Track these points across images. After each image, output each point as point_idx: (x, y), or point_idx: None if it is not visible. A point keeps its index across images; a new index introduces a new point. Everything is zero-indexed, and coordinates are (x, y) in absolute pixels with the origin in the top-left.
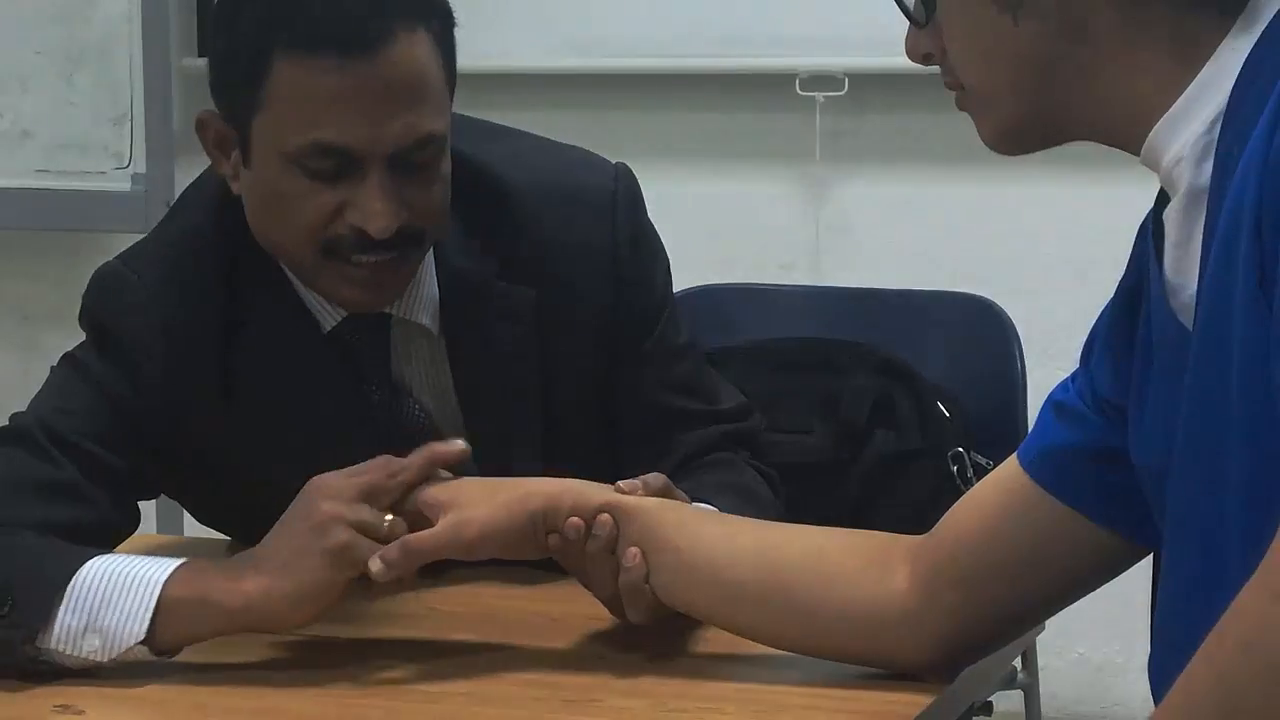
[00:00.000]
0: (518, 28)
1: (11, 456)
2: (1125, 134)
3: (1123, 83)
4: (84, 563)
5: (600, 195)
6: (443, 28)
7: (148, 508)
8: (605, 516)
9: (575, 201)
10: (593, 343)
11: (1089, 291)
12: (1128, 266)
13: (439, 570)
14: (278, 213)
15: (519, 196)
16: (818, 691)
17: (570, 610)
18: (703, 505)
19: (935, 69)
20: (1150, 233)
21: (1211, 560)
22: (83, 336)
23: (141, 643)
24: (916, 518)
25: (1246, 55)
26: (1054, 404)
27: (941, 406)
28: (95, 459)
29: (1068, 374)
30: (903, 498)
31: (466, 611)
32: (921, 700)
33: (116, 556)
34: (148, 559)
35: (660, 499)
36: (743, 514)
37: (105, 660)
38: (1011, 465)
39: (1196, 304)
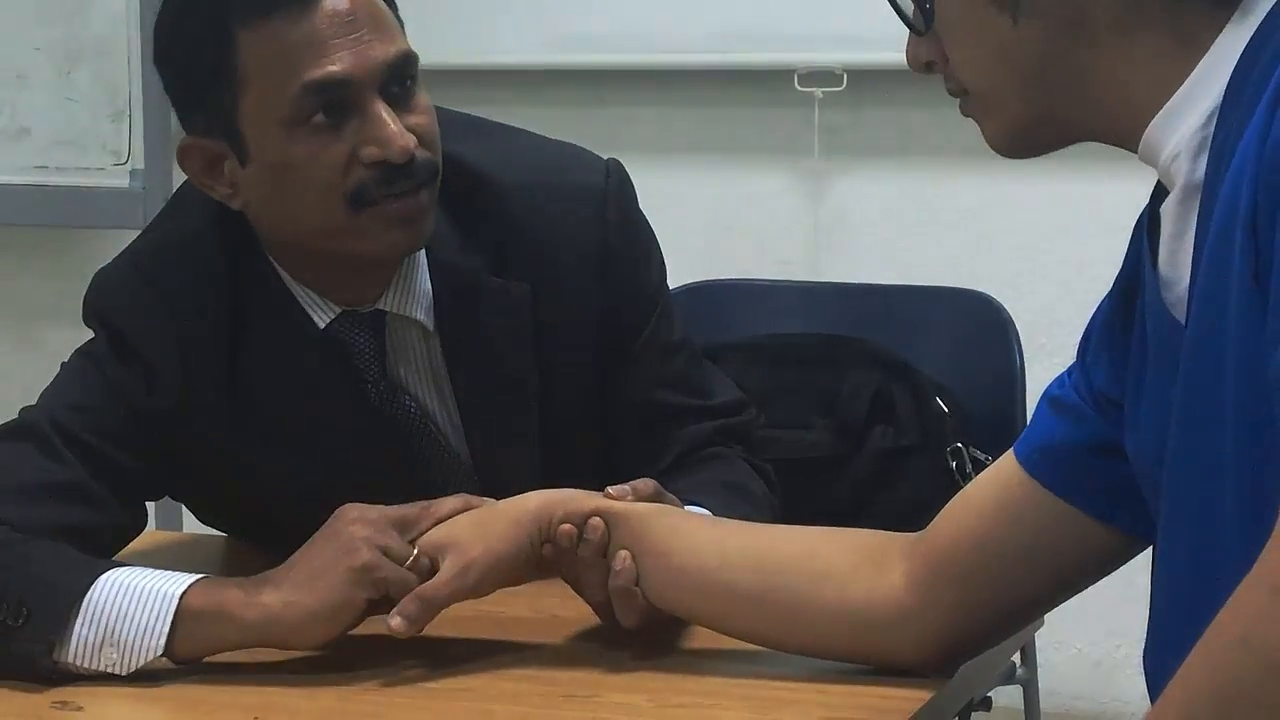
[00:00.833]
0: (512, 23)
1: (23, 454)
2: (1124, 130)
3: (1121, 78)
4: (99, 575)
5: (591, 192)
6: None
7: (147, 505)
8: (596, 521)
9: (566, 198)
10: (586, 339)
11: (1087, 287)
12: (1124, 261)
13: None
14: (294, 188)
15: (510, 194)
16: (816, 687)
17: (570, 607)
18: (695, 508)
19: None
20: (1146, 228)
21: (1206, 553)
22: (82, 333)
23: (160, 655)
24: (915, 514)
25: (1243, 48)
26: (1050, 399)
27: (940, 402)
28: (105, 458)
29: (1064, 369)
30: (901, 494)
31: (466, 608)
32: (921, 695)
33: (132, 569)
34: (164, 573)
35: (650, 504)
36: (736, 511)
37: (123, 672)
38: (1008, 461)
39: (1190, 299)
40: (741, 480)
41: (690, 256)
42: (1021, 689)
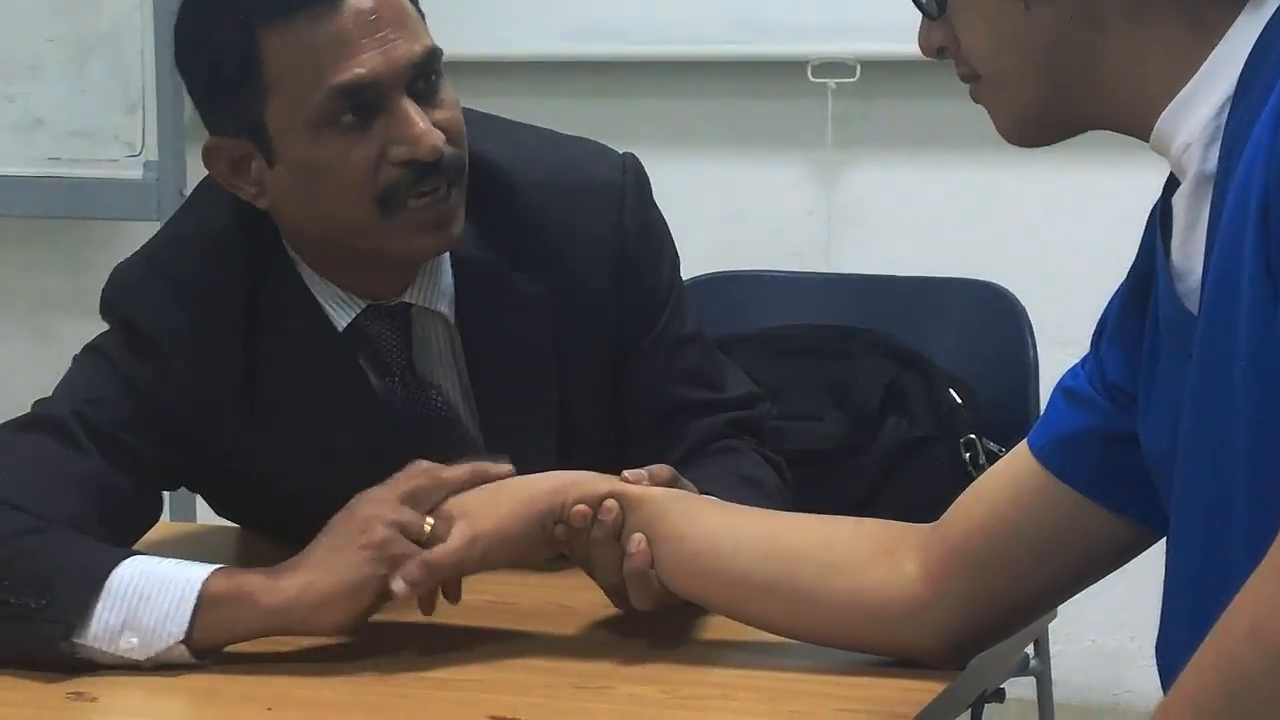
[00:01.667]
0: (523, 15)
1: (43, 445)
2: (1137, 120)
3: (1134, 67)
4: (122, 560)
5: (608, 188)
6: None
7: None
8: (611, 503)
9: (583, 194)
10: (602, 336)
11: (1101, 277)
12: (1138, 252)
13: None
14: (323, 188)
15: (527, 191)
16: (829, 679)
17: (581, 597)
18: (709, 497)
19: None
20: (1159, 219)
21: (1217, 544)
22: (95, 325)
23: (181, 642)
24: (929, 505)
25: (1256, 38)
26: (1064, 389)
27: (954, 393)
28: (124, 449)
29: (1078, 360)
30: (915, 485)
31: (476, 598)
32: (934, 687)
33: (154, 557)
34: (185, 561)
35: (666, 488)
36: (748, 503)
37: (143, 659)
38: (1021, 451)
39: (1202, 290)
40: (754, 472)
41: (703, 248)
42: (1035, 680)
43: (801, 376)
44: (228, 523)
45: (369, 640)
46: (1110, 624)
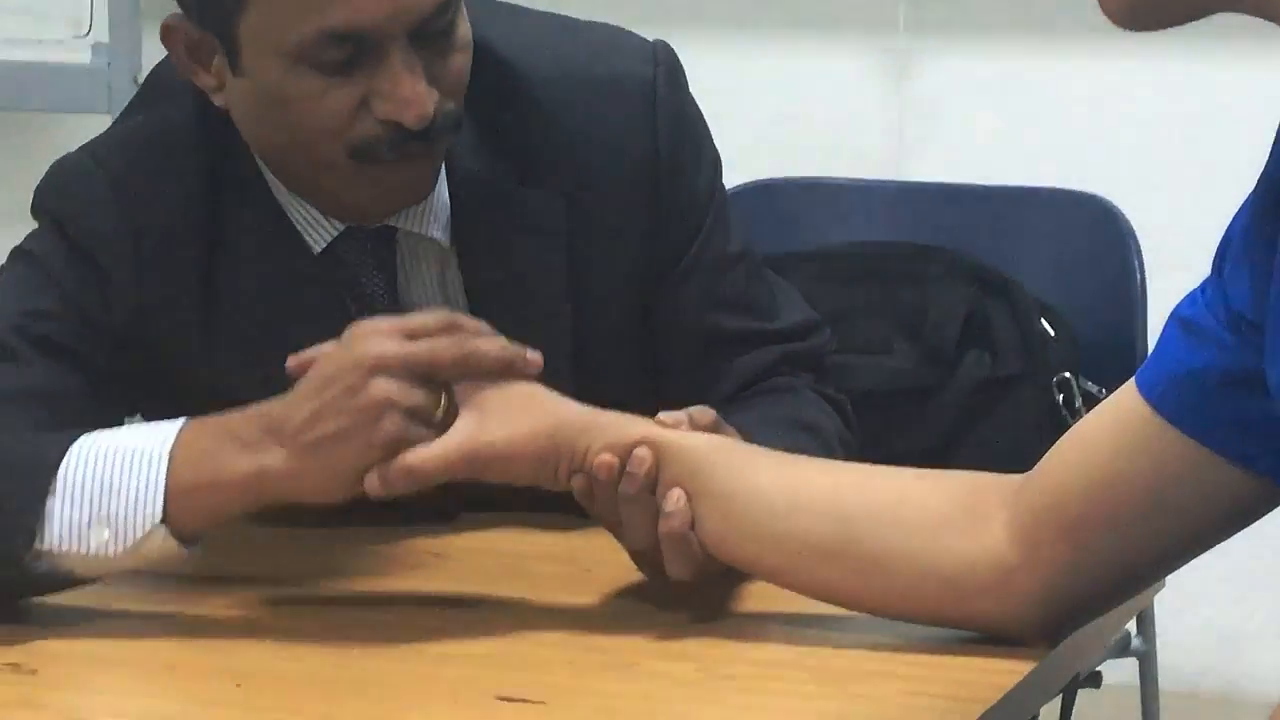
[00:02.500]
0: None
1: None
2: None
3: None
4: (71, 444)
5: (637, 84)
6: None
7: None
8: (643, 452)
9: (608, 93)
10: (629, 258)
11: (1224, 190)
12: (1269, 158)
13: (450, 513)
14: (287, 121)
15: (542, 88)
16: (894, 656)
17: (605, 560)
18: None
19: None
20: None
21: None
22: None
23: (161, 523)
24: (1015, 455)
25: None
26: (1179, 320)
27: (1045, 324)
28: (72, 358)
29: (1196, 285)
30: (999, 431)
31: (483, 560)
32: (1017, 669)
33: (104, 432)
34: (140, 429)
35: (709, 435)
36: (804, 452)
37: (121, 552)
38: (1128, 393)
39: None
40: (811, 415)
41: (751, 151)
42: (1137, 663)
43: (866, 303)
44: None
45: (354, 608)
46: (1227, 598)
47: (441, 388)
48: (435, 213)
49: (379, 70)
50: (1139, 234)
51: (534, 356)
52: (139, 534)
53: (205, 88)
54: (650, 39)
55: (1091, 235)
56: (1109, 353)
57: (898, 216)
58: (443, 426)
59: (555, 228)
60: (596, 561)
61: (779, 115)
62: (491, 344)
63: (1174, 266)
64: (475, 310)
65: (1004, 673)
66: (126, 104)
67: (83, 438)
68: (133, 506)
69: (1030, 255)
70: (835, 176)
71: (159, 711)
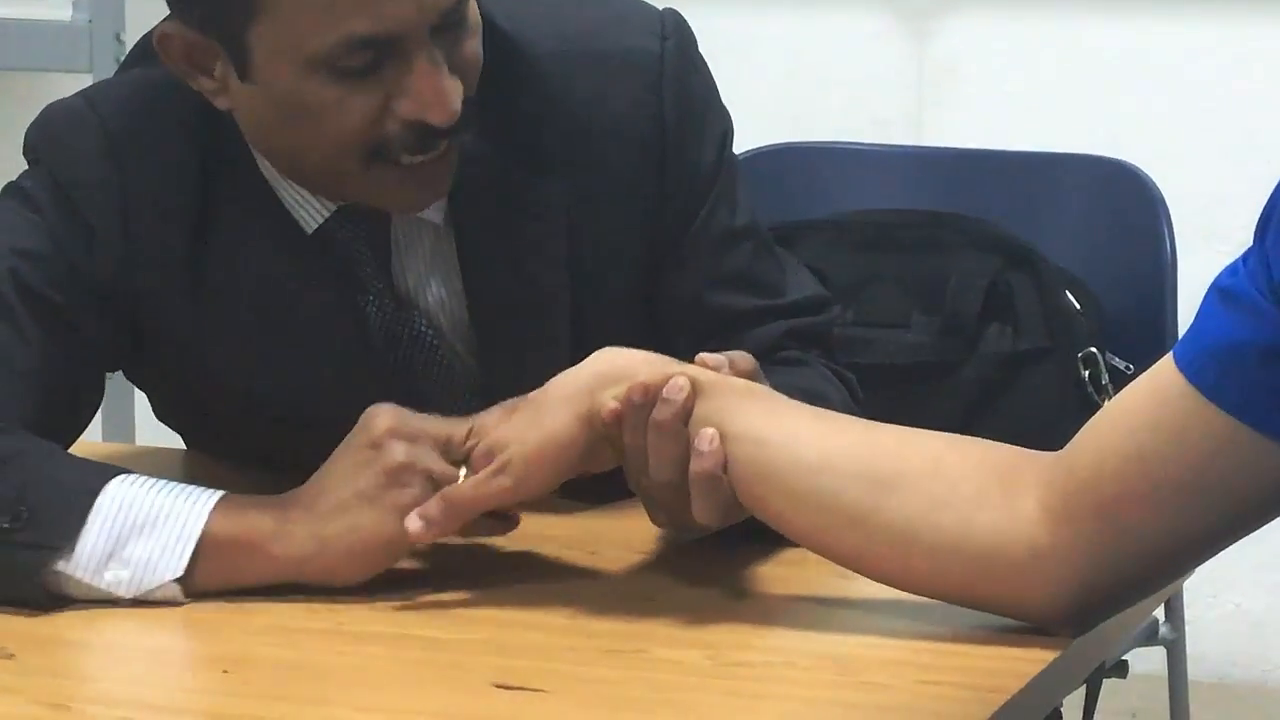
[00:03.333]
0: None
1: None
2: None
3: None
4: (113, 477)
5: (643, 59)
6: None
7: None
8: (682, 380)
9: (612, 69)
10: (631, 239)
11: (1262, 156)
12: None
13: None
14: (304, 129)
15: (543, 64)
16: (911, 644)
17: (611, 540)
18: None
19: None
20: None
21: None
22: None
23: (176, 580)
24: (1039, 433)
25: None
26: (1220, 291)
27: (1070, 296)
28: (63, 322)
29: (1229, 259)
30: (1021, 408)
31: (485, 542)
32: (1042, 657)
33: (145, 478)
34: (179, 487)
35: (746, 381)
36: None
37: (127, 595)
38: (1166, 367)
39: None
40: (818, 388)
41: (764, 114)
42: (1165, 651)
43: (884, 274)
44: (167, 444)
45: (350, 592)
46: (1259, 584)
47: (461, 462)
48: None
49: (402, 71)
50: (1169, 204)
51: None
52: (155, 585)
53: (204, 91)
54: (660, 6)
55: (1119, 204)
56: (1137, 327)
57: (917, 183)
58: None
59: (555, 209)
60: (602, 544)
61: (793, 77)
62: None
63: (1206, 237)
64: (471, 295)
65: (1026, 661)
66: (127, 55)
67: (121, 476)
68: (157, 556)
69: (1055, 224)
70: (851, 141)
71: (143, 698)
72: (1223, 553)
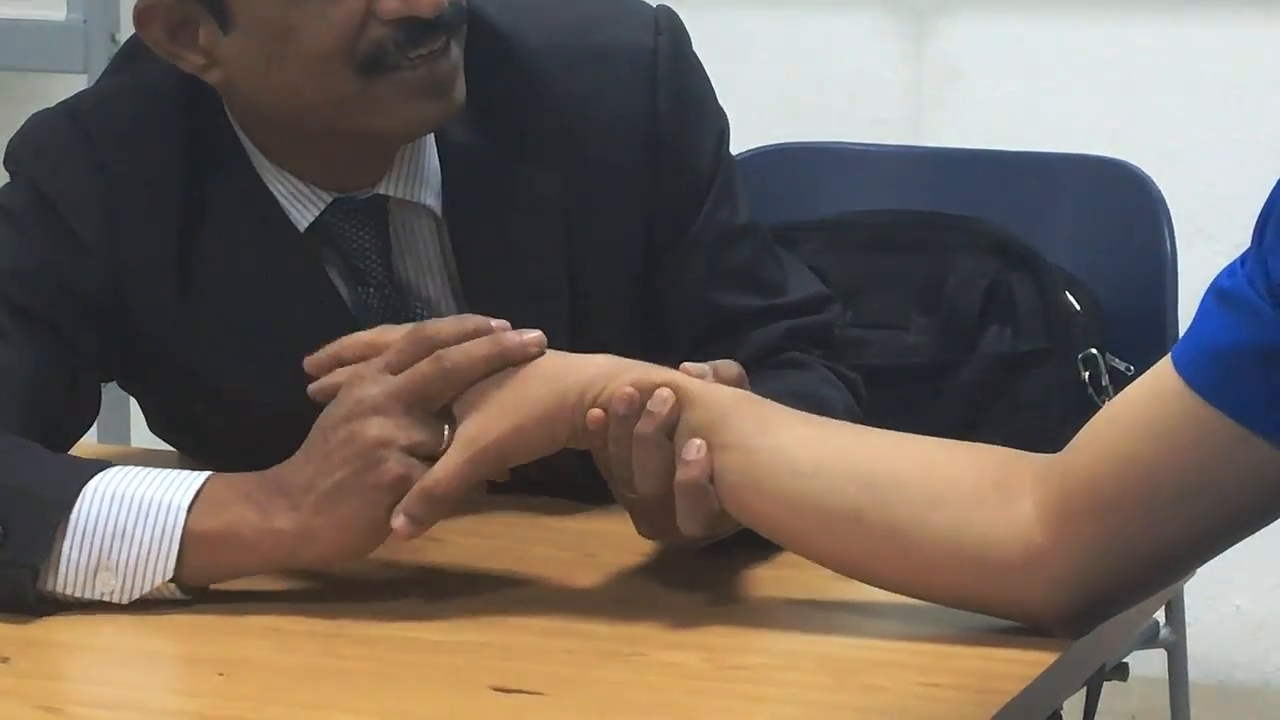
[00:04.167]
0: None
1: None
2: None
3: None
4: (87, 482)
5: (637, 54)
6: None
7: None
8: (666, 391)
9: (606, 64)
10: (629, 235)
11: (1260, 157)
12: None
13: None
14: (292, 56)
15: (537, 58)
16: (911, 646)
17: (609, 544)
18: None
19: None
20: None
21: None
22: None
23: (170, 580)
24: (1037, 434)
25: None
26: (1218, 293)
27: (1070, 297)
28: (51, 331)
29: (1229, 259)
30: (1021, 409)
31: (480, 542)
32: (1041, 659)
33: (124, 470)
34: (158, 475)
35: (733, 389)
36: None
37: (123, 601)
38: (1164, 369)
39: None
40: (819, 390)
41: (762, 115)
42: (1166, 654)
43: (881, 275)
44: (163, 445)
45: (345, 593)
46: (1260, 586)
47: (443, 418)
48: (426, 179)
49: None
50: (1170, 204)
51: (531, 337)
52: (147, 587)
53: (192, 69)
54: (654, 2)
55: (1119, 204)
56: (1137, 328)
57: (915, 183)
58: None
59: (550, 205)
60: (599, 545)
61: (791, 77)
62: (478, 346)
63: (1206, 239)
64: (467, 283)
65: (1025, 663)
66: (109, 62)
67: (97, 477)
68: (143, 559)
69: (1055, 225)
70: (850, 141)
71: (138, 701)
72: (1224, 554)
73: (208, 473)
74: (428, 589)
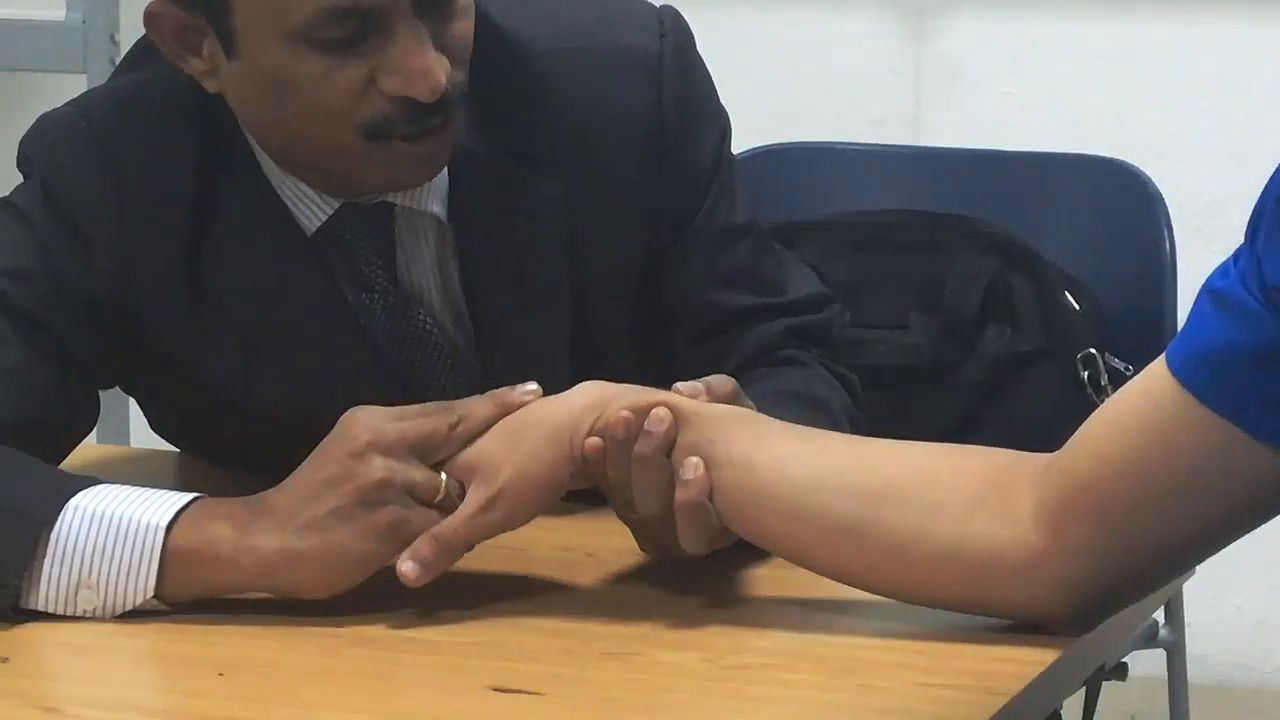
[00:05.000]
0: None
1: None
2: None
3: None
4: (68, 500)
5: (642, 57)
6: None
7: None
8: (662, 411)
9: (611, 67)
10: (632, 238)
11: (1257, 156)
12: None
13: None
14: (292, 105)
15: (540, 61)
16: (910, 645)
17: (607, 542)
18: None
19: None
20: None
21: None
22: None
23: (153, 597)
24: (1037, 435)
25: None
26: (1212, 293)
27: (1069, 297)
28: (52, 334)
29: (1228, 256)
30: (1020, 410)
31: (481, 545)
32: (1041, 658)
33: (106, 488)
34: (143, 493)
35: (728, 406)
36: (811, 426)
37: (106, 617)
38: (1158, 370)
39: None
40: (817, 390)
41: (762, 114)
42: (1165, 654)
43: (880, 275)
44: (164, 445)
45: (346, 593)
46: (1259, 586)
47: (441, 468)
48: (433, 187)
49: (385, 44)
50: (1168, 204)
51: (527, 391)
52: (128, 605)
53: (196, 74)
54: (658, 3)
55: (1119, 204)
56: (1137, 327)
57: (915, 183)
58: (446, 508)
59: (554, 209)
60: (598, 546)
61: (790, 76)
62: (480, 403)
63: (1204, 238)
64: (471, 290)
65: (1025, 663)
66: (122, 59)
67: (79, 495)
68: (124, 578)
69: (1054, 224)
70: (850, 141)
71: (138, 701)
72: (1223, 554)
73: (192, 494)
74: (427, 589)
